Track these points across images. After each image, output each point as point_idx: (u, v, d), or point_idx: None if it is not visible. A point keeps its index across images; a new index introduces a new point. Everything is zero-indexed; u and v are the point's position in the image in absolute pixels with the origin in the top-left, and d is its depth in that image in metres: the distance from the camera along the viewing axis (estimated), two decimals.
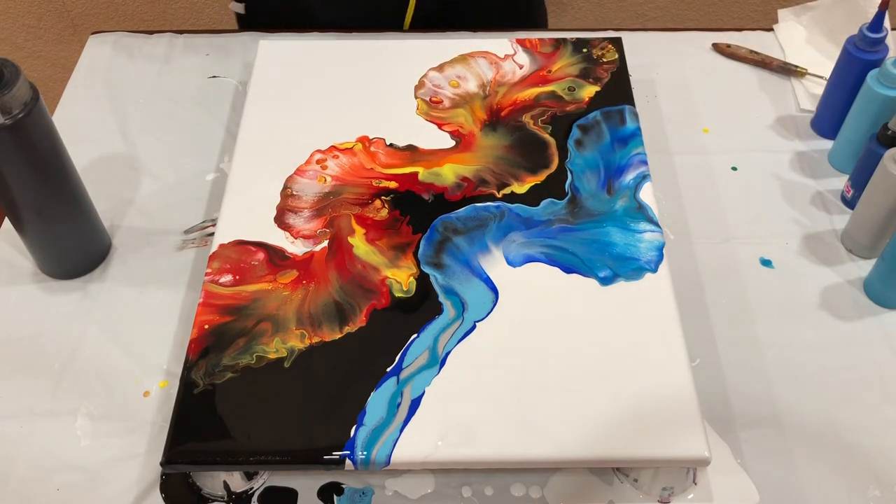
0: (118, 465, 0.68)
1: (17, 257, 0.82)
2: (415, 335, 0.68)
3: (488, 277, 0.71)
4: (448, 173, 0.80)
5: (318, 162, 0.81)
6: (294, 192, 0.79)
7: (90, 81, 0.99)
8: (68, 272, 0.80)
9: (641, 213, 0.76)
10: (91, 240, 0.80)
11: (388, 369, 0.66)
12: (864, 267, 0.80)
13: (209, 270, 0.72)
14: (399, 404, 0.64)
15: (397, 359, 0.66)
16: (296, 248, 0.74)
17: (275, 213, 0.77)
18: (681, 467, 0.65)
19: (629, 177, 0.79)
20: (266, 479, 0.68)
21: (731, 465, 0.68)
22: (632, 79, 0.91)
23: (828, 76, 0.91)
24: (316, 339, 0.68)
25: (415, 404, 0.64)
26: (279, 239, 0.75)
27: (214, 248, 0.74)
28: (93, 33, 1.05)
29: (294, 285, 0.71)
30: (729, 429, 0.70)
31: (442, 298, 0.70)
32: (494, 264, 0.72)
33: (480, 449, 0.62)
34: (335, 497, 0.67)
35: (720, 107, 0.95)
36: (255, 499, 0.67)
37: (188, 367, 0.66)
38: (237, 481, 0.67)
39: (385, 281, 0.71)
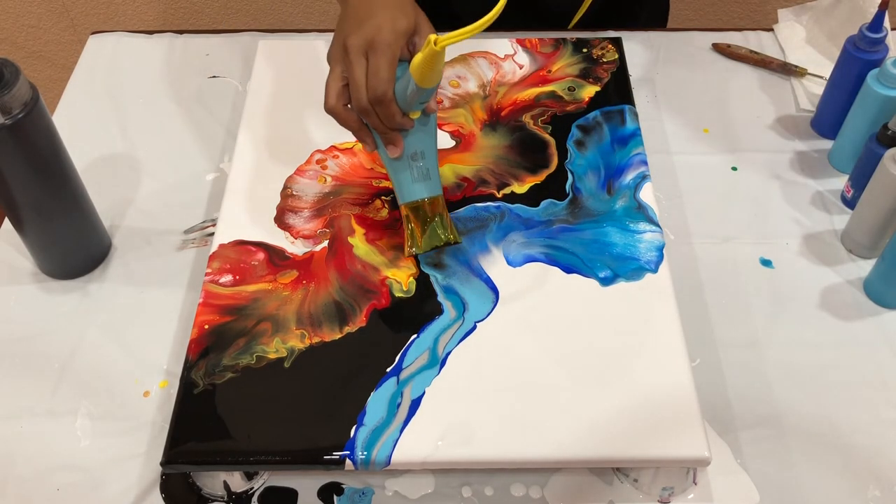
0: (118, 465, 0.68)
1: (17, 257, 0.82)
2: (415, 335, 0.68)
3: (488, 277, 0.71)
4: (448, 173, 0.80)
5: (318, 162, 0.81)
6: (294, 192, 0.79)
7: (90, 81, 0.99)
8: (68, 272, 0.80)
9: (641, 213, 0.76)
10: (91, 240, 0.80)
11: (388, 369, 0.66)
12: (864, 267, 0.80)
13: (209, 270, 0.72)
14: (399, 404, 0.64)
15: (397, 359, 0.66)
16: (296, 248, 0.74)
17: (275, 213, 0.77)
18: (681, 467, 0.65)
19: (629, 177, 0.79)
20: (266, 479, 0.68)
21: (731, 465, 0.68)
22: (632, 79, 0.91)
23: (828, 76, 0.91)
24: (316, 339, 0.68)
25: (415, 404, 0.64)
26: (279, 239, 0.75)
27: (214, 248, 0.74)
28: (93, 33, 1.05)
29: (294, 285, 0.71)
30: (729, 429, 0.70)
31: (442, 298, 0.70)
32: (494, 264, 0.72)
33: (480, 449, 0.62)
34: (335, 497, 0.67)
35: (720, 107, 0.95)
36: (255, 499, 0.67)
37: (188, 367, 0.66)
38: (237, 481, 0.67)
39: (385, 281, 0.71)
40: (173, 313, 0.77)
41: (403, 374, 0.65)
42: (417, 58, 0.64)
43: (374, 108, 0.67)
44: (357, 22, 0.68)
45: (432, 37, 0.62)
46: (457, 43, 0.61)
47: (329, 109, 0.69)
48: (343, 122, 0.70)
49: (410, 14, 0.68)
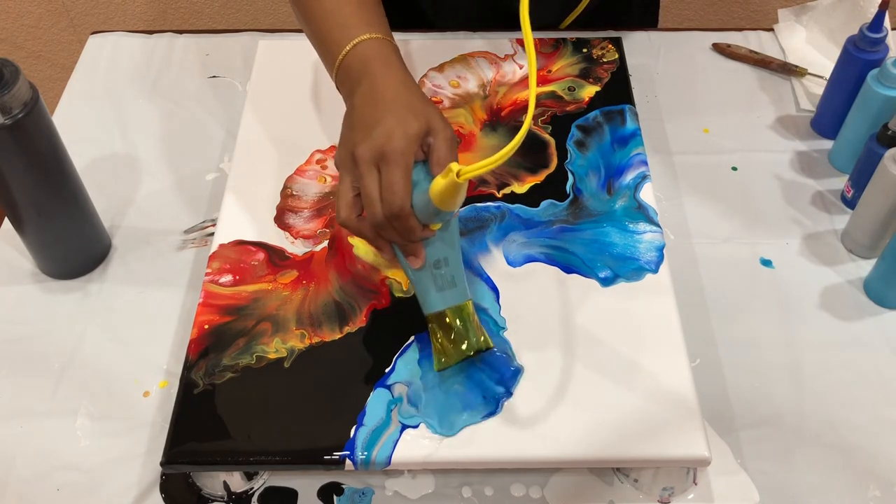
0: (118, 465, 0.68)
1: (17, 257, 0.82)
2: (415, 336, 0.68)
3: (488, 277, 0.71)
4: None
5: (318, 162, 0.81)
6: (294, 192, 0.79)
7: (90, 81, 0.99)
8: (68, 272, 0.80)
9: (641, 213, 0.76)
10: (91, 240, 0.80)
11: (388, 370, 0.66)
12: (864, 267, 0.80)
13: (209, 270, 0.72)
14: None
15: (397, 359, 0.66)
16: (296, 248, 0.74)
17: (275, 213, 0.77)
18: (681, 467, 0.65)
19: (629, 177, 0.79)
20: (266, 479, 0.68)
21: (731, 465, 0.68)
22: (632, 79, 0.91)
23: (828, 76, 0.91)
24: (316, 339, 0.68)
25: None
26: (279, 239, 0.75)
27: (214, 248, 0.74)
28: (93, 33, 1.05)
29: (294, 285, 0.71)
30: (729, 429, 0.70)
31: None
32: (494, 264, 0.72)
33: (480, 449, 0.62)
34: (335, 497, 0.67)
35: (720, 107, 0.95)
36: (255, 499, 0.67)
37: (188, 367, 0.66)
38: (237, 481, 0.67)
39: (385, 281, 0.71)
40: (173, 313, 0.77)
41: None
42: (438, 183, 0.59)
43: (391, 223, 0.62)
44: (364, 128, 0.63)
45: (454, 166, 0.57)
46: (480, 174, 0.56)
47: (342, 222, 0.64)
48: (358, 234, 0.65)
49: (421, 113, 0.63)
